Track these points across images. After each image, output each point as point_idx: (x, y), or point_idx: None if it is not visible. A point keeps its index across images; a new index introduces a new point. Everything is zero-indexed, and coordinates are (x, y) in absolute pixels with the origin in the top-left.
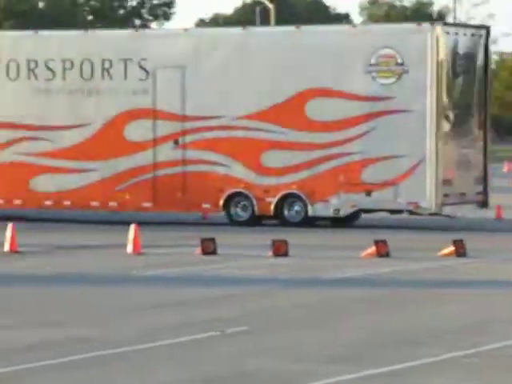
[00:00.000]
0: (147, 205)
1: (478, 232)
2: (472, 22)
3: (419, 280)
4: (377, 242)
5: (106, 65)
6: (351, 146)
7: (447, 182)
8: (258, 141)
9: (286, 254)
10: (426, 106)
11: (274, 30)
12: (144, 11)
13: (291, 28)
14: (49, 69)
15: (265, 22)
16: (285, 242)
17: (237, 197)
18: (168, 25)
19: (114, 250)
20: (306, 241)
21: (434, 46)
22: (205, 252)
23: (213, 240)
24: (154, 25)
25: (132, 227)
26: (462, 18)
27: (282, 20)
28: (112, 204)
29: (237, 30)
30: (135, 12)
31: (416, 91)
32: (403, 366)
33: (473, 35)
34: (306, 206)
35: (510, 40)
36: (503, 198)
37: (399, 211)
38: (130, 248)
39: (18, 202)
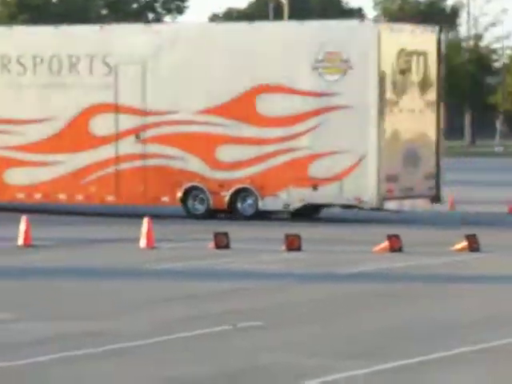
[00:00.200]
0: (110, 198)
1: (491, 227)
2: (485, 17)
3: (432, 275)
4: (390, 237)
5: (74, 60)
6: (299, 141)
7: (392, 178)
8: (214, 135)
9: (299, 249)
10: (369, 103)
11: (228, 27)
12: (157, 5)
13: (244, 24)
14: (21, 64)
15: (278, 16)
16: (298, 237)
17: (194, 190)
18: (181, 18)
19: (127, 244)
20: (318, 235)
21: (376, 42)
22: (218, 246)
23: (226, 234)
24: (167, 18)
25: (145, 221)
26: (475, 12)
27: (295, 15)
28: (78, 197)
29: (194, 27)
30: (148, 6)
31: (360, 87)
32: (415, 361)
33: (423, 33)
34: (257, 200)
35: None
36: None
37: (347, 206)
38: (143, 242)
39: None
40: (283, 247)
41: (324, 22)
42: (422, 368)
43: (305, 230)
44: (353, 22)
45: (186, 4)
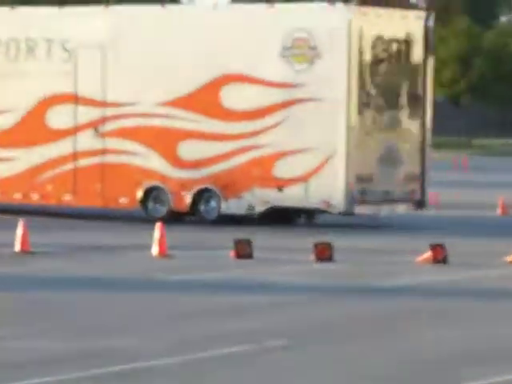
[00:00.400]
0: (68, 198)
1: None
2: None
3: (482, 290)
4: (433, 246)
5: (31, 45)
6: (264, 137)
7: (365, 179)
8: (175, 130)
9: (330, 259)
10: (338, 95)
11: (191, 10)
12: None
13: (207, 8)
14: None
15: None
16: (329, 245)
17: (154, 191)
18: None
19: (137, 252)
20: (351, 243)
21: (347, 28)
22: (239, 255)
23: (248, 242)
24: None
25: (157, 226)
26: None
27: None
28: (34, 196)
29: (156, 9)
30: None
31: (329, 78)
32: None
33: (404, 18)
34: (220, 201)
35: None
36: None
37: (313, 210)
38: (155, 250)
39: None
40: (312, 257)
41: (295, 5)
42: None
43: (336, 238)
44: (321, 5)
45: None
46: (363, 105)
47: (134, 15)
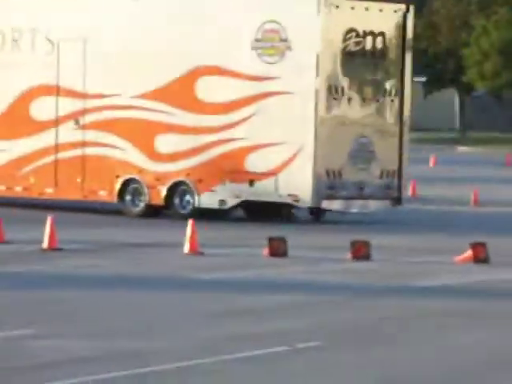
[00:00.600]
0: (49, 190)
1: None
2: None
3: None
4: (473, 245)
5: (16, 35)
6: (236, 130)
7: (334, 173)
8: (152, 123)
9: (367, 257)
10: (308, 88)
11: (165, 2)
12: None
13: None
14: None
15: None
16: (366, 244)
17: (132, 184)
18: None
19: (168, 249)
20: (389, 241)
21: (319, 20)
22: (273, 253)
23: (283, 239)
24: None
25: (189, 223)
26: None
27: None
28: (17, 189)
29: (130, 1)
30: None
31: (299, 71)
32: None
33: (381, 11)
34: (194, 195)
35: None
36: None
37: (283, 204)
38: (186, 247)
39: None
40: (349, 255)
41: None
42: None
43: (374, 236)
44: None
45: None
46: (334, 99)
47: (112, 7)
